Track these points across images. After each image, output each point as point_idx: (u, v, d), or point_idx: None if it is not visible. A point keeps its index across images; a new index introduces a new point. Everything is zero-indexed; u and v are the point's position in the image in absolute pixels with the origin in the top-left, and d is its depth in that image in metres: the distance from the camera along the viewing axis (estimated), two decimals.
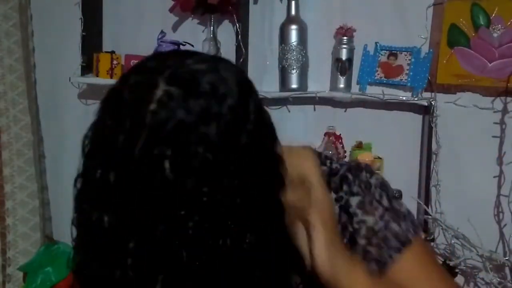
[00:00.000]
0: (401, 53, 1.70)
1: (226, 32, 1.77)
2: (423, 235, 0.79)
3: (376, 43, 1.72)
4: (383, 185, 0.74)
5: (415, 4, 1.67)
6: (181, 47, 1.74)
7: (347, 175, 0.74)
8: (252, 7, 1.74)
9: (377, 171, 1.65)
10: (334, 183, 0.74)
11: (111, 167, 0.56)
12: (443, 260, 1.67)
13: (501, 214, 1.68)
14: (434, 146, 1.66)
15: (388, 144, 1.73)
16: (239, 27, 1.68)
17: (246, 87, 0.62)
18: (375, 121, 1.75)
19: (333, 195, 0.73)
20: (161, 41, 1.72)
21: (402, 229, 0.72)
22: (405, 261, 0.72)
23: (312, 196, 0.66)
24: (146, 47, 1.76)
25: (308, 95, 1.70)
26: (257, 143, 0.59)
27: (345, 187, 0.74)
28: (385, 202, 0.73)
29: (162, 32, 1.74)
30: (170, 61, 0.59)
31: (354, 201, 0.72)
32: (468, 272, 1.69)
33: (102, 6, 1.84)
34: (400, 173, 1.71)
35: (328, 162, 0.76)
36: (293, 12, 1.71)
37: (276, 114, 1.67)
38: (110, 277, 0.57)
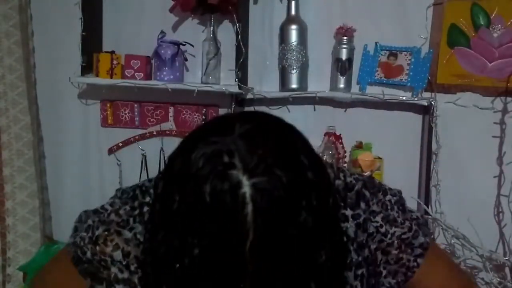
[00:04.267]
0: (401, 53, 1.70)
1: (226, 32, 1.77)
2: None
3: (376, 43, 1.72)
4: (398, 202, 0.79)
5: (415, 4, 1.67)
6: (181, 47, 1.74)
7: (364, 193, 0.77)
8: (252, 7, 1.74)
9: (377, 171, 1.66)
10: (350, 199, 0.76)
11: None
12: None
13: (501, 214, 1.68)
14: (434, 146, 1.66)
15: (388, 144, 1.73)
16: (239, 27, 1.68)
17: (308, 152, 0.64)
18: (375, 121, 1.75)
19: (349, 212, 0.75)
20: (161, 41, 1.72)
21: (424, 239, 0.78)
22: (427, 265, 0.78)
23: None
24: (146, 47, 1.77)
25: (308, 95, 1.70)
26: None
27: (363, 205, 0.76)
28: (405, 216, 0.78)
29: (162, 32, 1.74)
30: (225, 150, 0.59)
31: (378, 217, 0.76)
32: (468, 272, 1.69)
33: (102, 6, 1.84)
34: (400, 173, 1.71)
35: (341, 175, 0.78)
36: (293, 12, 1.71)
37: (276, 114, 1.66)
38: None
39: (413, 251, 0.77)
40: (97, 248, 0.75)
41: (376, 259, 0.76)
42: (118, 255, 0.74)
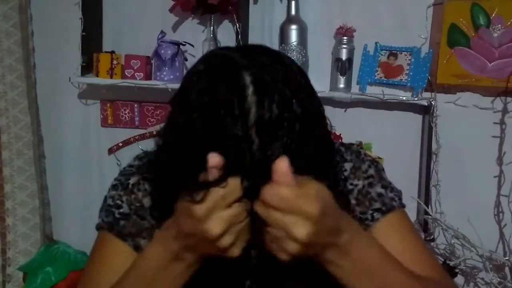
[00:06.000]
0: (401, 53, 1.70)
1: (226, 32, 1.77)
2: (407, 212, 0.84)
3: (376, 43, 1.72)
4: (373, 160, 0.83)
5: (415, 4, 1.67)
6: (181, 47, 1.74)
7: (340, 148, 0.83)
8: (252, 7, 1.74)
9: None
10: None
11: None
12: (443, 260, 1.67)
13: (501, 214, 1.68)
14: (434, 146, 1.66)
15: (388, 144, 1.73)
16: (239, 27, 1.68)
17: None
18: (375, 121, 1.75)
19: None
20: (161, 41, 1.72)
21: (387, 195, 0.79)
22: (387, 225, 0.77)
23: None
24: (146, 47, 1.77)
25: None
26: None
27: (337, 157, 0.81)
28: (372, 170, 0.81)
29: (162, 32, 1.74)
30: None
31: (347, 166, 0.80)
32: (468, 272, 1.69)
33: (102, 6, 1.84)
34: (400, 173, 1.69)
35: None
36: (293, 12, 1.71)
37: None
38: None
39: (371, 204, 0.78)
40: (132, 196, 0.78)
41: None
42: (147, 201, 0.78)
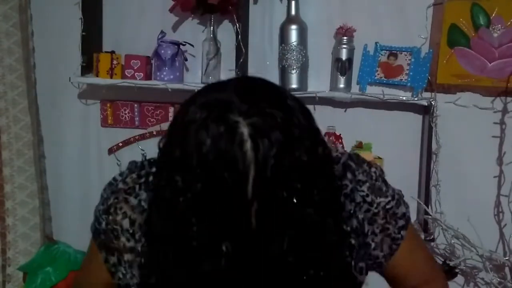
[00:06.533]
0: (401, 53, 1.70)
1: (226, 32, 1.77)
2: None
3: (376, 43, 1.72)
4: (381, 175, 0.82)
5: (415, 4, 1.67)
6: (181, 47, 1.74)
7: (350, 164, 0.80)
8: (252, 7, 1.74)
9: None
10: (337, 171, 0.78)
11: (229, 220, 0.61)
12: (443, 260, 1.67)
13: (501, 214, 1.68)
14: (434, 146, 1.66)
15: (388, 144, 1.73)
16: (239, 27, 1.68)
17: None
18: (375, 121, 1.75)
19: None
20: (161, 41, 1.72)
21: (405, 210, 0.82)
22: (408, 238, 0.81)
23: None
24: (146, 47, 1.77)
25: (308, 95, 1.70)
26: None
27: (349, 175, 0.78)
28: (388, 187, 0.81)
29: (162, 32, 1.74)
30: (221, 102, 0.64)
31: (364, 187, 0.79)
32: (468, 272, 1.69)
33: (102, 6, 1.84)
34: (400, 173, 1.70)
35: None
36: (293, 12, 1.71)
37: None
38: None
39: (396, 222, 0.80)
40: (110, 217, 0.78)
41: (364, 229, 0.78)
42: (126, 223, 0.77)
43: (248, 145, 0.60)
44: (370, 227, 0.78)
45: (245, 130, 0.61)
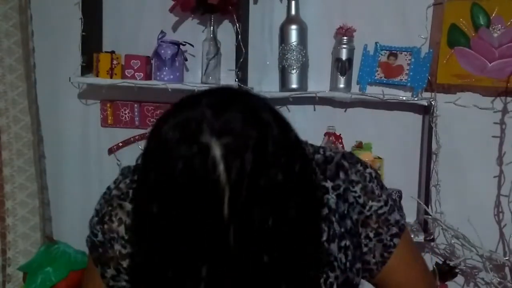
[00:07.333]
0: (401, 53, 1.70)
1: (226, 32, 1.77)
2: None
3: (376, 43, 1.72)
4: (376, 178, 0.80)
5: (415, 4, 1.67)
6: (181, 47, 1.74)
7: (343, 163, 0.78)
8: (252, 7, 1.74)
9: (377, 170, 1.66)
10: (330, 170, 0.77)
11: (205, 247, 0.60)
12: (443, 260, 1.67)
13: (501, 214, 1.68)
14: (434, 146, 1.66)
15: (388, 144, 1.73)
16: (239, 27, 1.68)
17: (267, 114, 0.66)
18: (375, 121, 1.75)
19: (330, 183, 0.76)
20: (161, 41, 1.72)
21: (400, 216, 0.80)
22: (401, 247, 0.79)
23: None
24: (146, 47, 1.77)
25: (308, 95, 1.70)
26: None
27: (342, 175, 0.77)
28: (382, 191, 0.79)
29: (162, 32, 1.74)
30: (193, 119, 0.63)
31: (357, 187, 0.77)
32: (468, 272, 1.69)
33: (102, 6, 1.84)
34: (400, 173, 1.71)
35: (321, 150, 0.79)
36: (293, 12, 1.71)
37: None
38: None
39: (389, 229, 0.78)
40: (105, 226, 0.77)
41: (358, 230, 0.77)
42: (122, 230, 0.76)
43: (221, 167, 0.59)
44: (363, 229, 0.77)
45: (217, 152, 0.59)
